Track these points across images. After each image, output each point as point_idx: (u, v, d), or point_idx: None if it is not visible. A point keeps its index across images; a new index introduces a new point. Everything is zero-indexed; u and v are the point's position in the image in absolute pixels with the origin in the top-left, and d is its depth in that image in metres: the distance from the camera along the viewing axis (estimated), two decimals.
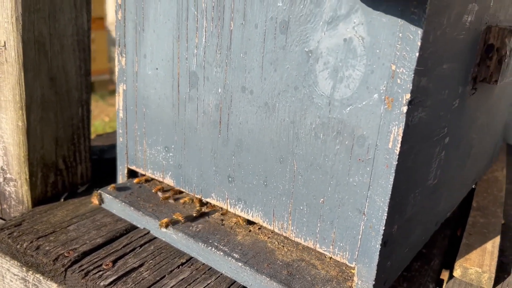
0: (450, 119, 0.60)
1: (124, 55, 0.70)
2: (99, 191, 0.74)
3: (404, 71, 0.45)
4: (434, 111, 0.53)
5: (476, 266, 0.64)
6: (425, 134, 0.53)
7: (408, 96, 0.45)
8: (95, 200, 0.74)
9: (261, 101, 0.57)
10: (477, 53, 0.64)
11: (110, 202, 0.72)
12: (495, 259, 0.67)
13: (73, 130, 0.80)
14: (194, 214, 0.67)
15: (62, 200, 0.78)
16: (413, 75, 0.45)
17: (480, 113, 0.76)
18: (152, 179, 0.77)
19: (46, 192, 0.77)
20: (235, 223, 0.65)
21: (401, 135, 0.46)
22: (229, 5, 0.56)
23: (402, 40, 0.45)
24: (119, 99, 0.74)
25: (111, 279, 0.56)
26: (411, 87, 0.45)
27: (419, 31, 0.43)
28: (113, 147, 1.00)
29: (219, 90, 0.60)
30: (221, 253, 0.58)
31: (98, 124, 2.80)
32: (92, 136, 1.01)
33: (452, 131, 0.63)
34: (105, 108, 3.16)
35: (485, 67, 0.67)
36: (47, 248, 0.62)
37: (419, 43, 0.44)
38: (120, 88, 0.73)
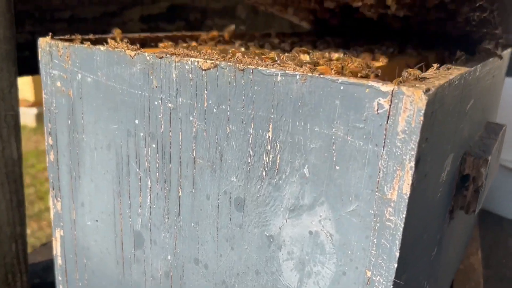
0: (428, 268, 0.54)
1: (59, 199, 0.61)
2: None
3: (382, 280, 0.38)
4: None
5: None
6: None
7: None
8: None
9: (218, 278, 0.49)
10: (453, 185, 0.59)
11: None
12: None
13: (7, 269, 0.70)
14: None
15: None
16: (391, 286, 0.38)
17: (458, 228, 0.71)
18: None
19: None
20: None
21: None
22: (176, 169, 0.49)
23: (377, 247, 0.38)
24: (56, 245, 0.64)
25: None
26: None
27: (397, 241, 0.37)
28: None
29: (169, 257, 0.52)
30: None
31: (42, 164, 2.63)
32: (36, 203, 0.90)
33: (432, 276, 0.57)
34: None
35: (461, 196, 0.62)
36: None
37: (397, 254, 0.37)
38: (57, 234, 0.63)
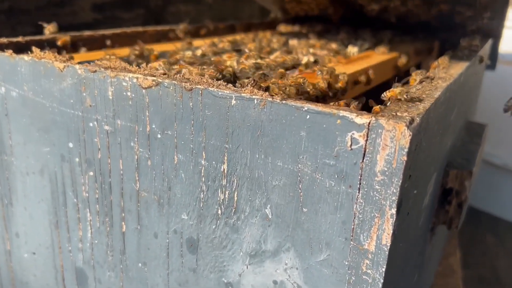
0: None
1: None
2: None
3: None
4: None
5: None
6: None
7: None
8: None
9: None
10: (435, 201, 0.54)
11: None
12: None
13: None
14: None
15: None
16: None
17: (438, 239, 0.66)
18: None
19: None
20: None
21: None
22: (118, 202, 0.41)
23: None
24: None
25: None
26: None
27: None
28: None
29: None
30: None
31: None
32: None
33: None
34: None
35: (443, 211, 0.57)
36: None
37: None
38: None
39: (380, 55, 0.63)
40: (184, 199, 0.38)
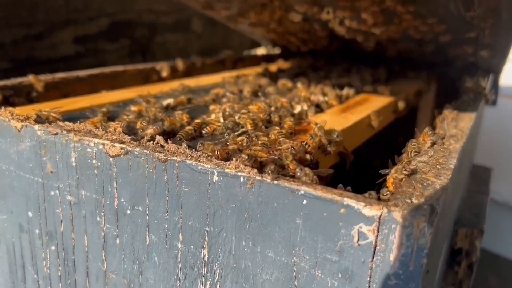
0: None
1: None
2: None
3: None
4: None
5: None
6: None
7: None
8: None
9: None
10: (443, 263, 0.48)
11: None
12: None
13: None
14: None
15: None
16: None
17: None
18: None
19: None
20: None
21: None
22: (83, 282, 0.36)
23: None
24: None
25: None
26: None
27: None
28: None
29: None
30: None
31: None
32: None
33: None
34: None
35: (452, 273, 0.51)
36: None
37: None
38: None
39: (378, 97, 0.58)
40: (157, 286, 0.32)
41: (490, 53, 0.67)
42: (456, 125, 0.42)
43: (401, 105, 0.58)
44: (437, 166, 0.30)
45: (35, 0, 0.83)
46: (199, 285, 0.30)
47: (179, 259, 0.30)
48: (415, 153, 0.33)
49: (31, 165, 0.35)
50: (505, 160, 1.06)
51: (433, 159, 0.32)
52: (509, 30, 0.57)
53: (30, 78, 0.49)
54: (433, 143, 0.34)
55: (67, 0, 0.90)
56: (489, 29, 0.57)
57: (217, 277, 0.29)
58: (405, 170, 0.28)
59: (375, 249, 0.24)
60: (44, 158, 0.34)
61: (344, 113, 0.49)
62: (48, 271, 0.37)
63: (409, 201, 0.24)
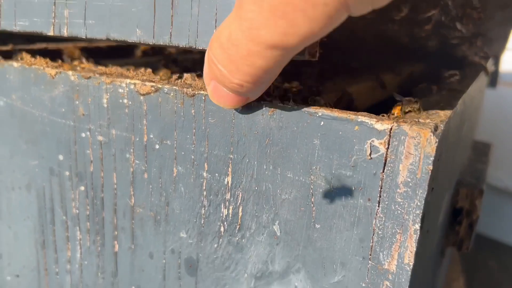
0: None
1: None
2: None
3: None
4: None
5: None
6: None
7: None
8: None
9: None
10: (445, 222, 0.51)
11: None
12: None
13: None
14: None
15: None
16: None
17: (445, 262, 0.63)
18: None
19: None
20: None
21: None
22: (110, 219, 0.38)
23: None
24: None
25: None
26: None
27: None
28: None
29: None
30: None
31: None
32: None
33: None
34: None
35: (453, 233, 0.54)
36: None
37: None
38: None
39: None
40: (183, 216, 0.35)
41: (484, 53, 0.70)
42: (460, 83, 0.45)
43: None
44: (441, 104, 0.33)
45: None
46: (222, 210, 0.33)
47: (204, 187, 0.33)
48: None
49: (63, 110, 0.38)
50: (507, 146, 1.09)
51: (439, 98, 0.35)
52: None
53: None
54: (439, 90, 0.37)
55: None
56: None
57: (239, 201, 0.32)
58: (415, 103, 0.31)
59: (385, 160, 0.26)
60: (77, 102, 0.37)
61: None
62: (77, 211, 0.40)
63: (416, 120, 0.27)
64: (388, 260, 0.28)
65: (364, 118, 0.27)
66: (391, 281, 0.28)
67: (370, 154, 0.27)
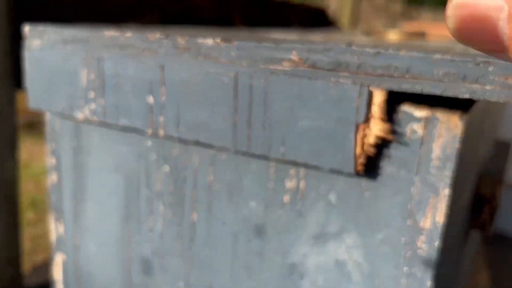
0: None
1: (61, 222, 0.58)
2: None
3: None
4: None
5: None
6: None
7: None
8: None
9: None
10: (469, 206, 0.58)
11: None
12: None
13: None
14: None
15: None
16: None
17: (470, 248, 0.70)
18: None
19: None
20: None
21: None
22: (190, 194, 0.47)
23: (408, 276, 0.37)
24: (57, 270, 0.61)
25: None
26: None
27: (430, 269, 0.36)
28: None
29: (181, 284, 0.50)
30: None
31: (39, 169, 2.54)
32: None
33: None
34: (45, 148, 2.87)
35: (476, 217, 0.61)
36: None
37: (429, 284, 0.36)
38: (58, 258, 0.60)
39: None
40: (253, 189, 0.43)
41: None
42: None
43: None
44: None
45: None
46: (286, 183, 0.41)
47: (271, 165, 0.41)
48: None
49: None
50: None
51: None
52: None
53: None
54: None
55: None
56: None
57: (301, 176, 0.40)
58: None
59: (422, 140, 0.34)
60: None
61: None
62: (161, 188, 0.49)
63: (446, 110, 0.35)
64: (423, 219, 0.35)
65: (405, 107, 0.35)
66: (425, 236, 0.36)
67: (410, 136, 0.35)
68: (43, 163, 2.68)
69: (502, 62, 0.30)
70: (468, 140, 0.38)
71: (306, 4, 1.70)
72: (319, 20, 1.72)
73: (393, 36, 0.82)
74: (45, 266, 0.97)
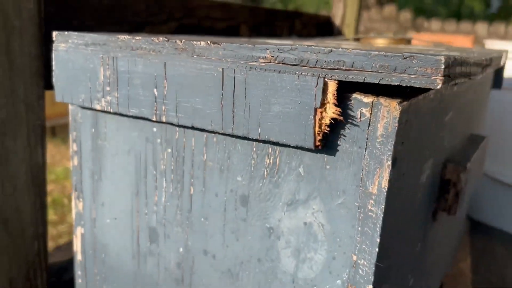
0: (412, 261, 0.61)
1: (81, 200, 0.68)
2: None
3: (366, 263, 0.45)
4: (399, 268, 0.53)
5: None
6: None
7: (370, 287, 0.45)
8: None
9: (224, 267, 0.55)
10: (435, 189, 0.66)
11: None
12: None
13: (28, 266, 0.76)
14: None
15: None
16: (374, 268, 0.45)
17: (443, 231, 0.77)
18: None
19: None
20: None
21: None
22: (189, 171, 0.56)
23: (362, 234, 0.45)
24: (76, 242, 0.71)
25: None
26: (373, 279, 0.45)
27: (377, 228, 0.44)
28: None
29: (180, 250, 0.59)
30: None
31: (60, 172, 2.68)
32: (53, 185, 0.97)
33: (416, 268, 0.63)
34: (66, 152, 3.01)
35: (443, 200, 0.69)
36: None
37: (378, 240, 0.44)
38: (78, 232, 0.70)
39: None
40: (239, 165, 0.52)
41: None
42: None
43: None
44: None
45: (125, 4, 1.06)
46: (266, 160, 0.49)
47: (254, 146, 0.50)
48: None
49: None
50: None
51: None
52: None
53: None
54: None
55: (147, 5, 1.13)
56: None
57: (277, 154, 0.49)
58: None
59: (369, 121, 0.43)
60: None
61: None
62: (164, 167, 0.58)
63: (389, 97, 0.43)
64: (372, 186, 0.44)
65: (356, 95, 0.43)
66: (374, 200, 0.44)
67: (360, 118, 0.43)
68: (64, 166, 2.81)
69: (423, 56, 0.38)
70: (414, 124, 0.46)
71: (314, 14, 1.79)
72: (327, 29, 1.81)
73: (380, 41, 0.90)
74: (68, 245, 1.08)
